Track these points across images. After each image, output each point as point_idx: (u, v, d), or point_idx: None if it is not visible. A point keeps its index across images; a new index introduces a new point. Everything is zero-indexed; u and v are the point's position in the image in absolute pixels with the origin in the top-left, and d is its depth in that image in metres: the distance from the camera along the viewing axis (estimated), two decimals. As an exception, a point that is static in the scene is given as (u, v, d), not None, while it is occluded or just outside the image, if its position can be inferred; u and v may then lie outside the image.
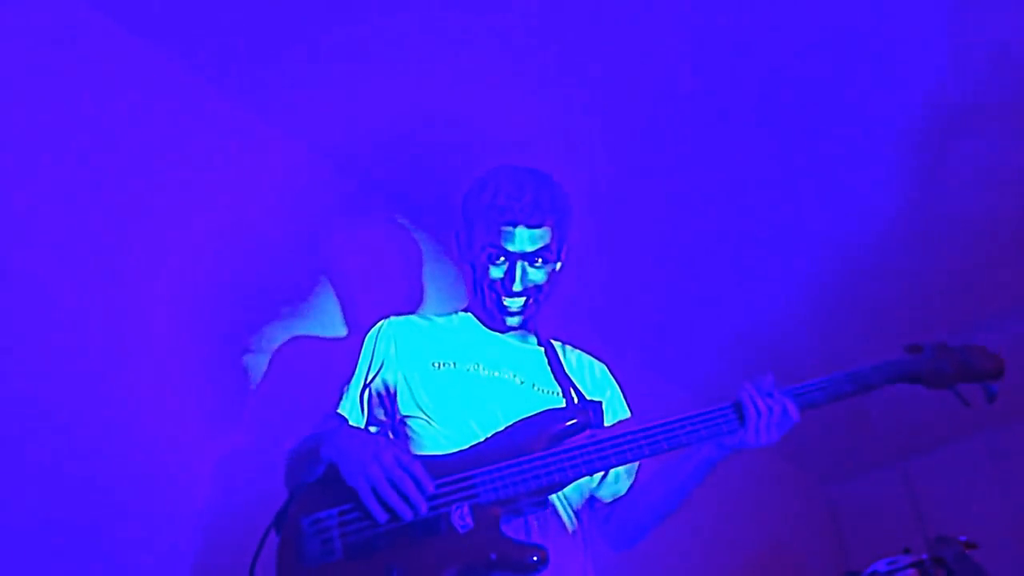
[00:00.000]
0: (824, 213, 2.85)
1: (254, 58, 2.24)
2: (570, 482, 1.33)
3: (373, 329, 1.66)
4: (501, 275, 1.57)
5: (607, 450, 1.32)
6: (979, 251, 3.05)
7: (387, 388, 1.57)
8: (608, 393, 1.69)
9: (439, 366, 1.56)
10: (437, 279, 2.64)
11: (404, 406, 1.54)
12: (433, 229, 2.71)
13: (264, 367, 2.15)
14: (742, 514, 3.47)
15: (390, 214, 2.69)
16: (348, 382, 1.60)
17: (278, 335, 2.21)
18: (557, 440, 1.34)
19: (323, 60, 2.25)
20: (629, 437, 1.33)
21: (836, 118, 2.50)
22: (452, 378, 1.54)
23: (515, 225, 1.53)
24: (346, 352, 1.70)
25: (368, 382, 1.58)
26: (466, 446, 1.40)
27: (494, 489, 1.28)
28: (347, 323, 2.40)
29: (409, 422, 1.52)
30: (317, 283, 2.40)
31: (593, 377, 1.70)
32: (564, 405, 1.53)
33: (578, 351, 1.77)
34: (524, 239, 1.54)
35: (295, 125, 2.44)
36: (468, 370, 1.56)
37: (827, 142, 2.58)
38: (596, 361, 1.77)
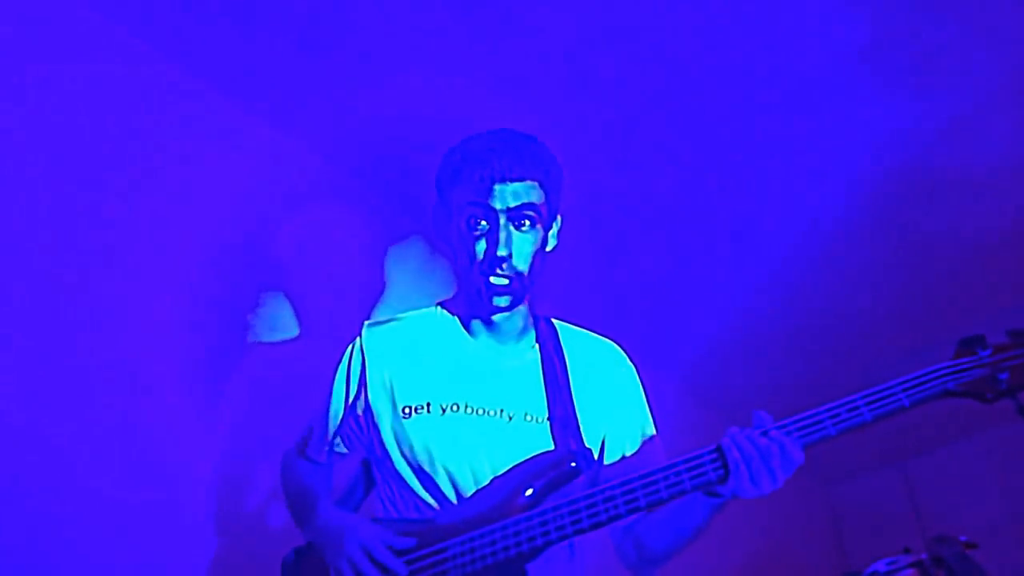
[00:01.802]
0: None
1: (225, 45, 2.23)
2: (543, 550, 1.20)
3: (347, 352, 1.49)
4: (483, 243, 1.35)
5: (581, 513, 1.18)
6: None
7: (368, 421, 1.44)
8: (620, 386, 1.48)
9: (409, 412, 1.37)
10: (402, 271, 2.65)
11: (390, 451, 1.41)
12: (401, 220, 2.73)
13: (237, 368, 2.15)
14: (742, 514, 3.46)
15: (357, 206, 2.68)
16: (327, 411, 1.47)
17: (250, 333, 2.22)
18: (538, 497, 1.25)
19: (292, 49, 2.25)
20: (607, 494, 1.19)
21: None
22: (425, 428, 1.36)
23: (493, 180, 1.33)
24: (324, 354, 1.63)
25: (349, 407, 1.46)
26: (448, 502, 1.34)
27: (462, 565, 1.22)
28: (320, 319, 2.40)
29: (397, 468, 1.40)
30: (281, 278, 2.39)
31: (600, 374, 1.48)
32: (551, 449, 1.35)
33: (586, 333, 1.56)
34: (506, 194, 1.33)
35: (269, 114, 2.44)
36: (443, 411, 1.36)
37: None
38: (606, 343, 1.55)
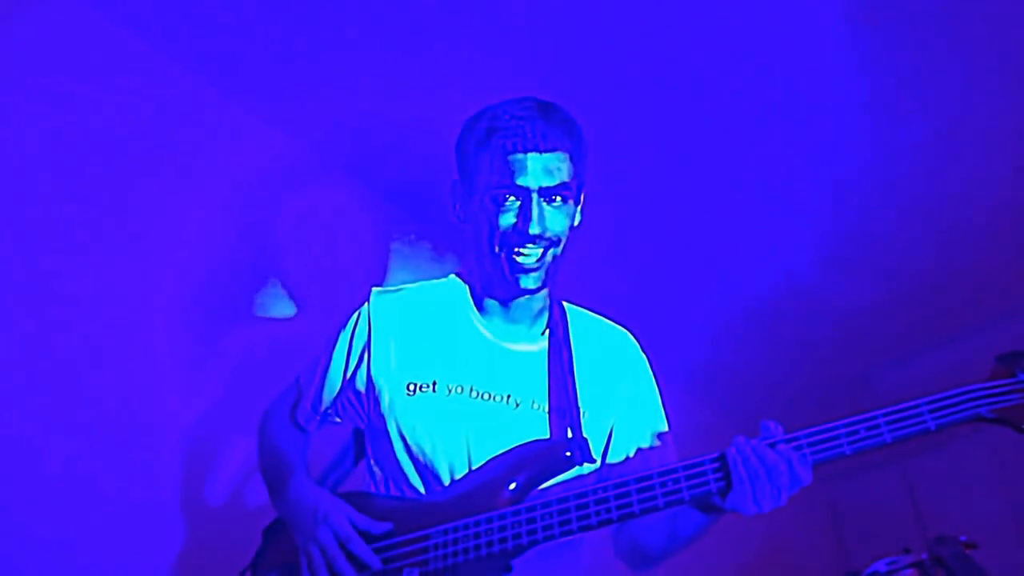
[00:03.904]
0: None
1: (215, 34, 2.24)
2: (528, 548, 1.14)
3: (353, 318, 1.40)
4: (513, 220, 1.24)
5: (571, 514, 1.11)
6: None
7: (370, 393, 1.36)
8: (629, 375, 1.41)
9: (414, 390, 1.30)
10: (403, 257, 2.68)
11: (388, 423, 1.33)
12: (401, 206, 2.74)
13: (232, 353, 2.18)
14: (742, 514, 3.47)
15: (349, 189, 2.69)
16: (325, 373, 1.39)
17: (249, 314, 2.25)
18: (529, 485, 1.19)
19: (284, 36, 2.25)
20: (600, 495, 1.12)
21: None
22: (429, 408, 1.29)
23: (525, 151, 1.22)
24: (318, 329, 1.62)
25: (349, 377, 1.38)
26: (442, 483, 1.27)
27: (443, 557, 1.15)
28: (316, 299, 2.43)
29: (393, 446, 1.32)
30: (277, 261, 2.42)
31: (609, 362, 1.41)
32: (546, 438, 1.29)
33: (597, 319, 1.48)
34: (537, 169, 1.22)
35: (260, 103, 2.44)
36: (449, 391, 1.29)
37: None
38: (618, 331, 1.47)
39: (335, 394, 1.39)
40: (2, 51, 1.90)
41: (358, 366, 1.36)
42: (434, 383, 1.30)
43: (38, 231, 1.85)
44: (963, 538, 1.87)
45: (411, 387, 1.30)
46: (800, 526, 4.14)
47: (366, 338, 1.36)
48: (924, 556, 1.88)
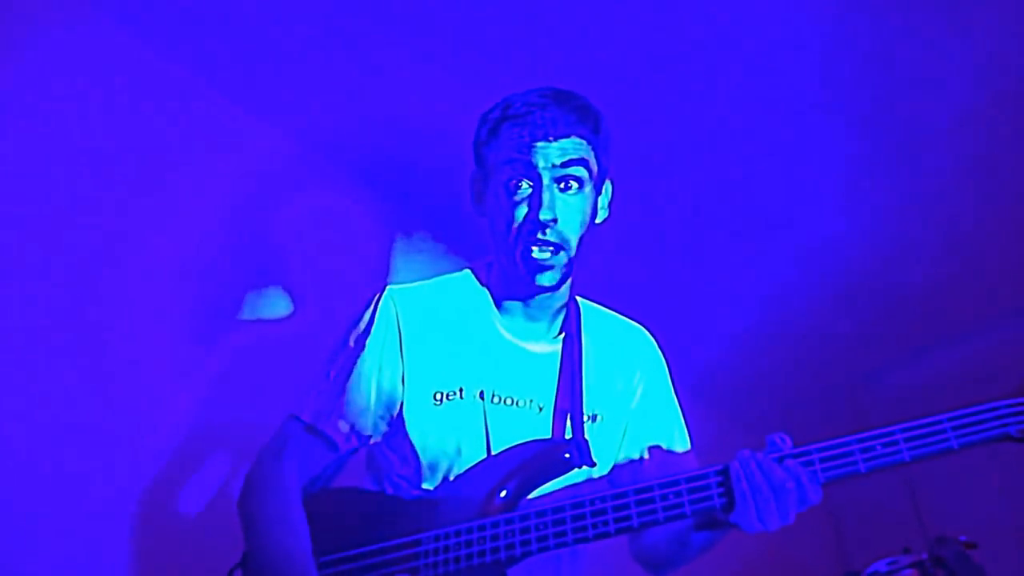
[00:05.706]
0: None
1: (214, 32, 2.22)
2: (520, 559, 1.09)
3: (377, 318, 1.29)
4: (526, 210, 1.19)
5: (566, 525, 1.06)
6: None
7: (389, 399, 1.27)
8: (643, 373, 1.36)
9: (441, 399, 1.23)
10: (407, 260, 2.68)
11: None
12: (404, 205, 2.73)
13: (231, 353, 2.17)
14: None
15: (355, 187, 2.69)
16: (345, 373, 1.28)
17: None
18: (525, 487, 1.16)
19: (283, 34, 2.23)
20: (597, 507, 1.07)
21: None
22: (457, 416, 1.23)
23: (534, 139, 1.18)
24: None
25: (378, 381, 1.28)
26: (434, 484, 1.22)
27: (434, 565, 1.11)
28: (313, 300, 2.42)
29: (419, 456, 1.25)
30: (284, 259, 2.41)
31: (622, 361, 1.36)
32: (546, 438, 1.24)
33: (612, 316, 1.43)
34: (549, 155, 1.18)
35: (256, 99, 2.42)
36: (476, 398, 1.23)
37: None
38: (633, 328, 1.42)
39: (367, 404, 1.26)
40: (2, 51, 1.90)
41: (382, 371, 1.26)
42: (460, 390, 1.24)
43: (38, 231, 1.85)
44: (963, 538, 1.87)
45: (438, 396, 1.24)
46: (800, 526, 4.13)
47: (396, 341, 1.26)
48: (924, 556, 1.88)
